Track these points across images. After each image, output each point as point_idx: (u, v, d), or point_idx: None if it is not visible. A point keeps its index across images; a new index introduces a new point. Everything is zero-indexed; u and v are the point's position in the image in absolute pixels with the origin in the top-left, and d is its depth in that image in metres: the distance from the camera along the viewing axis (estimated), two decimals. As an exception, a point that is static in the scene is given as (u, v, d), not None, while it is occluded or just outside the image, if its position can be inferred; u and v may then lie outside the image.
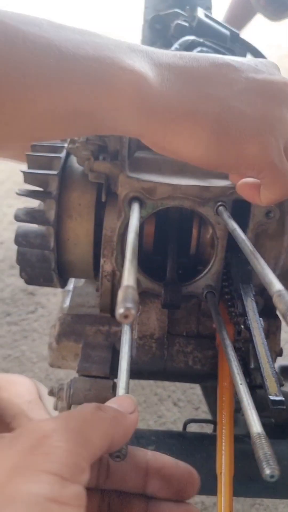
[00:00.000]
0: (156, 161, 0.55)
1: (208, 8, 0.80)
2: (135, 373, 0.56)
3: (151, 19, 0.68)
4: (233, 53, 0.69)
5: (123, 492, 0.32)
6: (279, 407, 0.37)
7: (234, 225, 0.42)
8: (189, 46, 0.59)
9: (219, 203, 0.49)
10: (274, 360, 0.57)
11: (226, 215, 0.46)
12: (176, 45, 0.58)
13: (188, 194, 0.50)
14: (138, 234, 0.40)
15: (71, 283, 0.68)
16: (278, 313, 0.53)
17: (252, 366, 0.54)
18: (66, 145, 0.55)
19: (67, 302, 0.64)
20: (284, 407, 0.37)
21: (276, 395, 0.37)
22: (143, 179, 0.50)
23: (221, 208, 0.48)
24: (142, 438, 0.46)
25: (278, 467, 0.28)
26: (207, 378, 0.54)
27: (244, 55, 0.71)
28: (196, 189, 0.50)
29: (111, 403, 0.32)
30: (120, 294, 0.27)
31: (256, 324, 0.44)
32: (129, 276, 0.30)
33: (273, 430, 0.49)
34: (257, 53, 0.71)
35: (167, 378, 0.58)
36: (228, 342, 0.42)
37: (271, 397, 0.37)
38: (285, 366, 0.97)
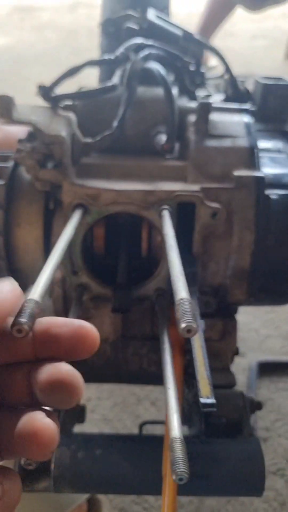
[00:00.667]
0: (104, 166, 0.55)
1: (165, 7, 0.80)
2: (91, 377, 0.56)
3: (103, 23, 0.68)
4: (186, 52, 0.69)
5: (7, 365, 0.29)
6: (209, 409, 0.37)
7: (167, 230, 0.42)
8: (136, 49, 0.59)
9: (163, 206, 0.49)
10: (231, 361, 0.57)
11: (167, 219, 0.47)
12: (121, 49, 0.58)
13: (132, 199, 0.50)
14: (67, 245, 0.41)
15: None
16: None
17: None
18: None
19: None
20: (215, 409, 0.37)
21: (208, 397, 0.38)
22: (86, 186, 0.51)
23: (164, 212, 0.49)
24: (90, 441, 0.47)
25: (187, 470, 0.29)
26: (162, 380, 0.55)
27: (200, 54, 0.72)
28: (141, 194, 0.50)
29: None
30: (20, 307, 0.27)
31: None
32: (36, 289, 0.30)
33: (224, 429, 0.50)
34: (213, 51, 0.71)
35: (122, 381, 0.58)
36: (165, 346, 0.42)
37: (202, 400, 0.37)
38: (262, 363, 0.97)
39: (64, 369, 0.27)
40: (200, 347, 0.42)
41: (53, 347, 0.29)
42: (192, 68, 0.67)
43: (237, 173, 0.53)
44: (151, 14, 0.67)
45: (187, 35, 0.69)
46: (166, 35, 0.66)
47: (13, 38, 2.60)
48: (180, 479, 0.29)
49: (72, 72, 0.54)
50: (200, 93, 0.76)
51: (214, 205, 0.51)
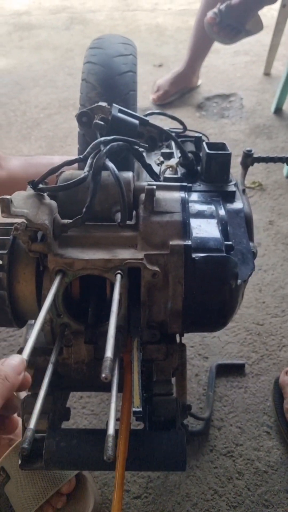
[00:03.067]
0: (78, 237, 0.76)
1: (132, 90, 1.00)
2: (73, 388, 0.78)
3: (78, 115, 0.89)
4: (142, 136, 0.90)
5: None
6: (138, 415, 0.58)
7: (114, 295, 0.64)
8: (99, 147, 0.79)
9: (117, 271, 0.71)
10: (172, 375, 0.79)
11: (117, 284, 0.68)
12: (89, 148, 0.79)
13: (96, 265, 0.72)
14: (53, 298, 0.62)
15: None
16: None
17: (154, 379, 0.77)
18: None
19: (29, 335, 0.87)
20: (141, 415, 0.59)
21: (138, 408, 0.59)
22: (64, 256, 0.72)
23: (117, 275, 0.70)
24: (69, 434, 0.68)
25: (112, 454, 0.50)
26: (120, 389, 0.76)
27: (154, 136, 0.92)
28: (102, 262, 0.71)
29: (6, 365, 0.53)
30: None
31: (136, 357, 0.65)
32: (25, 351, 0.51)
33: (162, 425, 0.72)
34: (162, 133, 0.91)
35: (96, 390, 0.80)
36: (116, 367, 0.64)
37: (133, 409, 0.59)
38: (220, 364, 1.19)
39: None
40: (137, 372, 0.63)
41: None
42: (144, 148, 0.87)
43: (172, 242, 0.73)
44: (115, 109, 0.87)
45: (143, 121, 0.90)
46: (125, 126, 0.87)
47: (13, 60, 2.78)
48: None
49: (53, 171, 0.75)
50: (160, 157, 0.97)
51: (154, 268, 0.72)
